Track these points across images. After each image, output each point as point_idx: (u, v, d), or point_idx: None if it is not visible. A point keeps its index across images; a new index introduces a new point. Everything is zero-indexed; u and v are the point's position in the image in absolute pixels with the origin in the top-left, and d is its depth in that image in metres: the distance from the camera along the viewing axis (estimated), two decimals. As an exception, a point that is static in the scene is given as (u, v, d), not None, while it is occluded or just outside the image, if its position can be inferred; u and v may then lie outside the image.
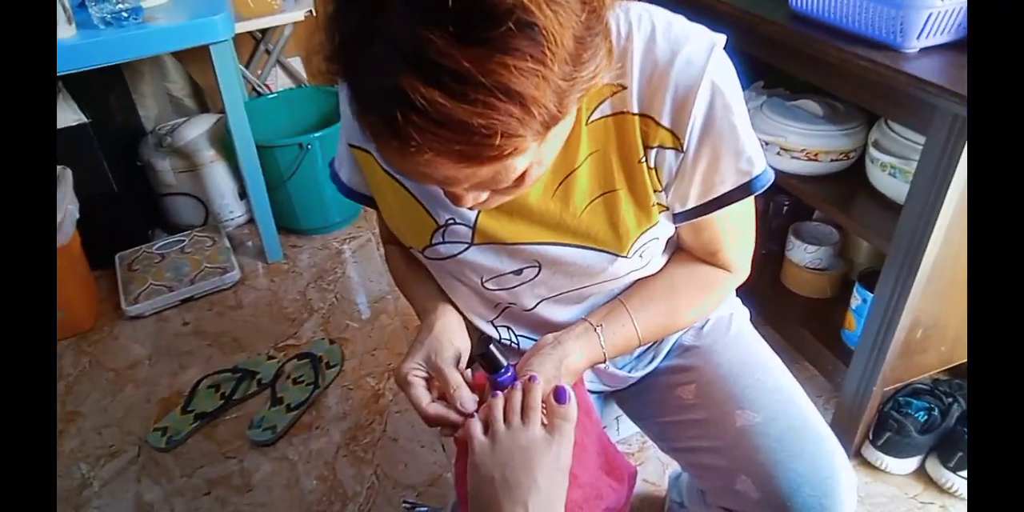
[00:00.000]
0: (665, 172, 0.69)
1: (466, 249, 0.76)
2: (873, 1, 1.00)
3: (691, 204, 0.72)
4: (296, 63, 2.60)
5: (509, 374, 0.71)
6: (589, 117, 0.68)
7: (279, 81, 2.56)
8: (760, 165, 0.70)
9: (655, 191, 0.70)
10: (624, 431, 1.15)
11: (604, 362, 0.77)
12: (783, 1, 1.18)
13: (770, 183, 0.71)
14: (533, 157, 0.54)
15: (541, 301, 0.81)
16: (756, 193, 0.71)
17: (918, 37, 0.99)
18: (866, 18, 1.03)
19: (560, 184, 0.71)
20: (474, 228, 0.74)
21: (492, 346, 0.70)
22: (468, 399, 0.70)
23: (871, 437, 1.30)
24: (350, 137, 0.78)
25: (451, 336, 0.76)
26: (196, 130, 2.05)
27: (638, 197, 0.71)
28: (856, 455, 1.33)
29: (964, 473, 1.23)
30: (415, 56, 0.46)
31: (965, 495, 1.24)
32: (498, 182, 0.56)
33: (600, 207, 0.71)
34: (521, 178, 0.57)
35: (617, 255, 0.73)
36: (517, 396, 0.69)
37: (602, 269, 0.74)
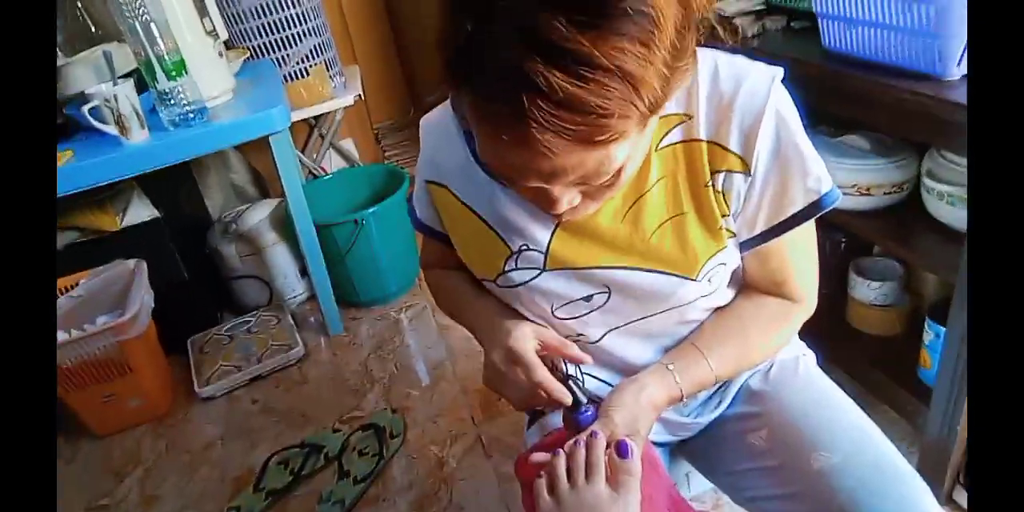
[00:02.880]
0: (734, 195, 0.72)
1: (538, 275, 0.78)
2: (907, 34, 1.00)
3: (761, 227, 0.74)
4: (348, 145, 2.74)
5: (590, 413, 0.73)
6: (658, 144, 0.72)
7: (333, 163, 2.69)
8: (828, 183, 0.72)
9: (723, 216, 0.73)
10: (695, 488, 1.11)
11: (682, 399, 0.77)
12: (816, 42, 1.18)
13: (838, 201, 0.73)
14: (631, 149, 0.59)
15: (609, 331, 0.81)
16: (825, 210, 0.73)
17: (959, 64, 0.97)
18: (902, 50, 1.02)
19: (631, 207, 0.74)
20: (547, 254, 0.77)
21: (571, 382, 0.72)
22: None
23: (962, 480, 1.21)
24: (427, 174, 0.83)
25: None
26: (258, 215, 2.15)
27: (706, 220, 0.73)
28: (948, 501, 1.24)
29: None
30: (538, 41, 0.50)
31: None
32: (599, 175, 0.59)
33: (669, 230, 0.73)
34: (616, 175, 0.61)
35: (687, 278, 0.74)
36: (581, 453, 0.69)
37: (671, 293, 0.75)
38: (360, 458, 1.55)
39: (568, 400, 0.72)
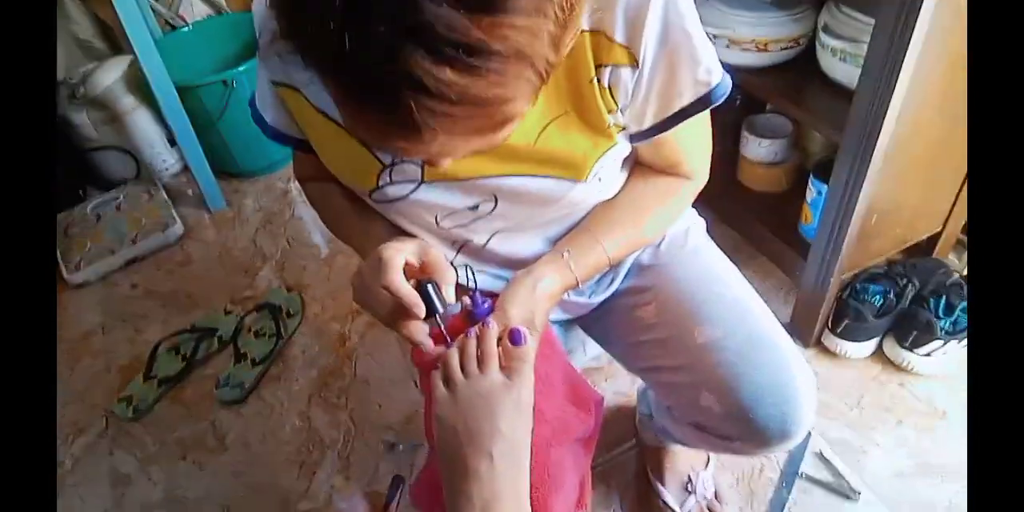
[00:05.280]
0: (621, 91, 0.66)
1: (416, 188, 0.72)
2: None
3: (649, 122, 0.70)
4: (210, -13, 2.39)
5: (487, 305, 0.71)
6: None
7: (194, 9, 2.36)
8: (718, 74, 0.67)
9: (609, 112, 0.67)
10: (592, 351, 1.15)
11: (577, 285, 0.77)
12: None
13: (728, 92, 0.69)
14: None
15: (495, 234, 0.78)
16: (715, 104, 0.69)
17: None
18: None
19: None
20: (423, 165, 0.70)
21: (430, 286, 0.68)
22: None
23: (830, 325, 1.33)
24: (273, 73, 0.72)
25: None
26: (111, 75, 1.90)
27: (591, 119, 0.68)
28: (816, 343, 1.36)
29: (920, 351, 1.27)
30: (423, 32, 0.41)
31: (921, 371, 1.29)
32: (495, 143, 0.54)
33: (554, 132, 0.68)
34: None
35: (576, 181, 0.71)
36: (472, 344, 0.68)
37: (560, 196, 0.72)
38: (257, 339, 1.51)
39: (421, 311, 0.66)
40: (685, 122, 0.70)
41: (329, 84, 0.48)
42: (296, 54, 0.48)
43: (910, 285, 1.29)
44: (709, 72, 0.67)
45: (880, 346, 1.34)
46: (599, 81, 0.65)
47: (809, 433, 1.23)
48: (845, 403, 1.28)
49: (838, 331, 1.32)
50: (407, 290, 0.65)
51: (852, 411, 1.27)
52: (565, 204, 0.74)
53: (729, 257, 0.89)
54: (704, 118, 0.75)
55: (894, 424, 1.24)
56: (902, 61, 0.92)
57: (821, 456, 1.21)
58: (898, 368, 1.31)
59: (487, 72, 0.44)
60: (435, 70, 0.42)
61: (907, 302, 1.29)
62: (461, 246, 0.81)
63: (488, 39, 0.43)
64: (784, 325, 0.81)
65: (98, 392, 1.49)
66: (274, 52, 0.56)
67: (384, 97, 0.45)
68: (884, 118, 0.99)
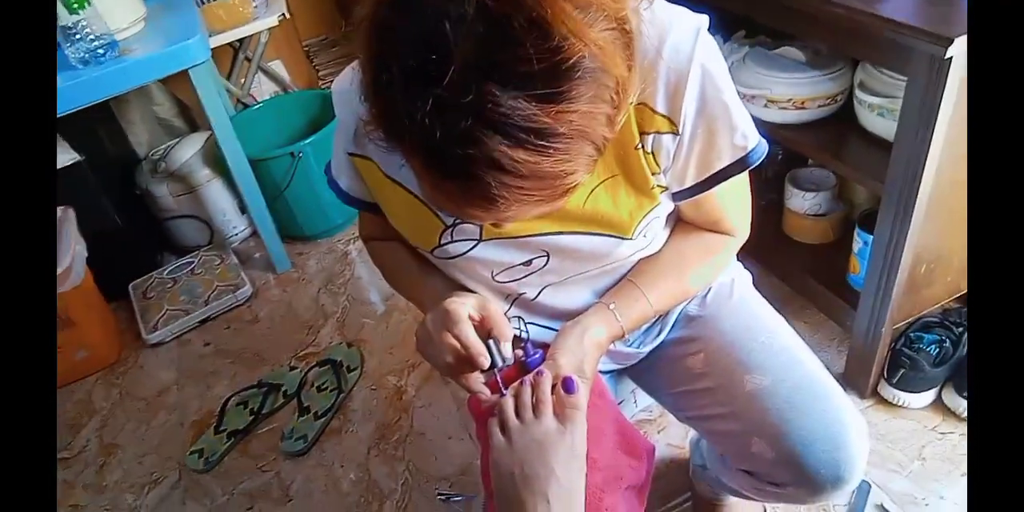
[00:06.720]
0: (663, 155, 0.71)
1: (475, 246, 0.77)
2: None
3: (690, 182, 0.74)
4: (278, 67, 2.59)
5: (538, 356, 0.75)
6: None
7: (263, 87, 2.55)
8: (754, 139, 0.72)
9: (653, 173, 0.72)
10: (643, 402, 1.17)
11: (623, 336, 0.80)
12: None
13: (765, 155, 0.73)
14: None
15: (546, 287, 0.83)
16: (752, 166, 0.73)
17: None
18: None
19: None
20: (482, 225, 0.76)
21: (491, 341, 0.72)
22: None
23: (886, 375, 1.31)
24: (348, 146, 0.79)
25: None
26: (189, 151, 2.06)
27: (636, 181, 0.73)
28: (873, 394, 1.34)
29: (984, 401, 1.24)
30: (499, 122, 0.48)
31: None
32: (557, 208, 0.60)
33: (602, 194, 0.73)
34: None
35: (623, 238, 0.75)
36: (527, 392, 0.71)
37: (608, 252, 0.77)
38: (319, 393, 1.57)
39: (486, 360, 0.71)
40: (725, 182, 0.75)
41: (415, 164, 0.55)
42: (386, 141, 0.55)
43: (966, 333, 1.27)
44: (745, 137, 0.71)
45: (939, 396, 1.31)
46: (643, 147, 0.70)
47: (870, 485, 1.20)
48: (906, 455, 1.25)
49: (894, 381, 1.29)
50: (476, 340, 0.71)
51: (914, 462, 1.23)
52: (612, 259, 0.78)
53: (779, 309, 0.90)
54: (743, 178, 0.79)
55: (958, 476, 1.20)
56: (936, 115, 0.95)
57: (883, 509, 1.17)
58: (959, 418, 1.28)
59: (554, 151, 0.50)
60: (510, 152, 0.49)
61: (964, 351, 1.26)
62: (514, 299, 0.85)
63: (554, 124, 0.49)
64: (838, 376, 0.82)
65: (172, 445, 1.56)
66: (366, 136, 0.65)
67: (465, 175, 0.52)
68: (923, 169, 1.01)
